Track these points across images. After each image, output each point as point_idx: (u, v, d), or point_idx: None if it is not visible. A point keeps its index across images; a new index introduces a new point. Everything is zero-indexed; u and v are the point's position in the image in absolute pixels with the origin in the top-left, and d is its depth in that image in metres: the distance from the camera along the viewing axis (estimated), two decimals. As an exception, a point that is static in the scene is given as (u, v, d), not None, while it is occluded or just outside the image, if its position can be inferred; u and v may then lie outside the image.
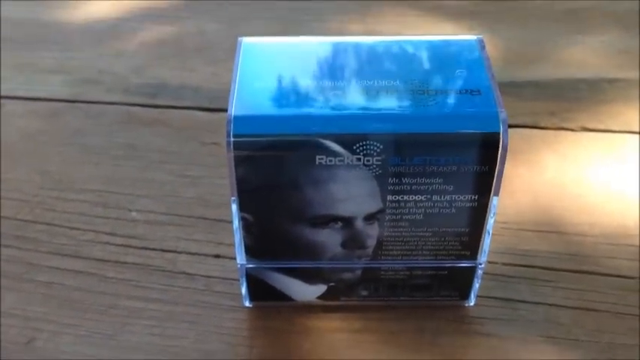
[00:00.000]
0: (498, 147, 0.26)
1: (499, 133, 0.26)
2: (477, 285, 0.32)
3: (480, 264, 0.31)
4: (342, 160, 0.26)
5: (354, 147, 0.26)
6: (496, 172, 0.27)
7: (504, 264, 0.34)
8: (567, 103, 0.44)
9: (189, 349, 0.32)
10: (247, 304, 0.33)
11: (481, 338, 0.32)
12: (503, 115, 0.26)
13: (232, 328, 0.32)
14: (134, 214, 0.38)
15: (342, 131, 0.26)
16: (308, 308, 0.33)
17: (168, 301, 0.34)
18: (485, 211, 0.29)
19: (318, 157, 0.26)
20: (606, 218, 0.37)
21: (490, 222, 0.29)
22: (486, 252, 0.30)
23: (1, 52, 0.50)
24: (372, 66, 0.29)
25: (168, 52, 0.51)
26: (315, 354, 0.31)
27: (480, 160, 0.27)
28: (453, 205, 0.28)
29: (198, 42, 0.52)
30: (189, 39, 0.52)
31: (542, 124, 0.42)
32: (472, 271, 0.31)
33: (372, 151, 0.26)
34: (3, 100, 0.47)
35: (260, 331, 0.32)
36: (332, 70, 0.28)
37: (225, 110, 0.47)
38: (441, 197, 0.28)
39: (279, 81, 0.28)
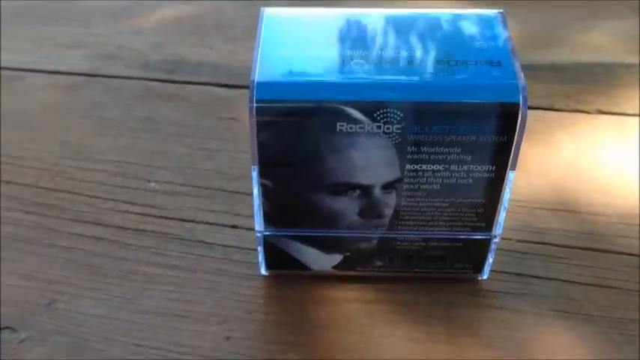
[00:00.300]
0: (517, 117, 0.27)
1: (518, 104, 0.27)
2: (490, 259, 0.32)
3: (495, 237, 0.31)
4: (363, 128, 0.27)
5: (375, 114, 0.27)
6: (514, 144, 0.28)
7: (519, 240, 0.35)
8: (583, 86, 0.44)
9: (206, 314, 0.32)
10: (264, 271, 0.33)
11: (494, 311, 0.32)
12: (522, 85, 0.27)
13: (249, 295, 0.33)
14: (153, 184, 0.39)
15: (363, 99, 0.27)
16: (324, 278, 0.33)
17: (186, 268, 0.34)
18: (502, 184, 0.29)
19: (338, 124, 0.27)
20: (620, 199, 0.37)
21: (506, 196, 0.29)
22: (501, 225, 0.31)
23: (23, 27, 0.51)
24: (394, 36, 0.29)
25: (187, 30, 0.51)
26: (330, 322, 0.32)
27: (499, 130, 0.27)
28: (471, 175, 0.29)
29: (217, 20, 0.52)
30: (207, 17, 0.52)
31: (558, 107, 0.43)
32: (487, 243, 0.31)
33: (392, 119, 0.27)
34: (24, 73, 0.47)
35: (276, 299, 0.33)
36: (354, 39, 0.29)
37: (243, 87, 0.47)
38: (458, 167, 0.28)
39: (302, 49, 0.28)
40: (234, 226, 0.36)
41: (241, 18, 0.52)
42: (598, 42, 0.48)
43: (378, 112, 0.26)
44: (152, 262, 0.35)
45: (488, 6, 0.52)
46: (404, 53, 0.28)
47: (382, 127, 0.27)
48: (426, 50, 0.28)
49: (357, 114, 0.27)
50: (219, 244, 0.35)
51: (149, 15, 0.53)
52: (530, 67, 0.45)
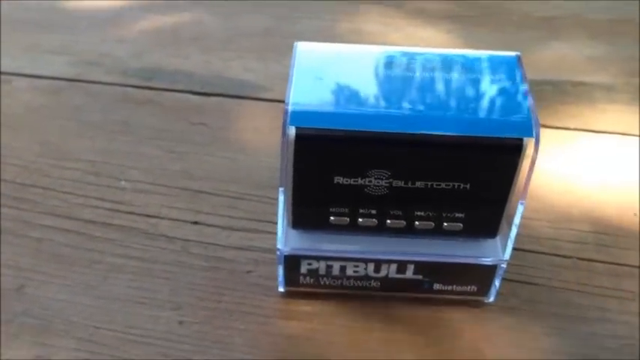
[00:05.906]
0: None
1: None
2: None
3: None
4: None
5: None
6: None
7: (455, 241, 0.38)
8: (530, 101, 0.47)
9: (162, 301, 0.35)
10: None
11: (429, 302, 0.35)
12: None
13: (203, 285, 0.36)
14: (123, 183, 0.42)
15: None
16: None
17: (147, 259, 0.37)
18: None
19: None
20: (552, 205, 0.40)
21: None
22: None
23: (12, 33, 0.54)
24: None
25: (166, 40, 0.54)
26: (274, 312, 0.35)
27: None
28: None
29: (194, 32, 0.55)
30: (185, 29, 0.56)
31: (505, 120, 0.46)
32: None
33: None
34: (10, 77, 0.50)
35: (228, 290, 0.36)
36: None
37: (215, 94, 0.50)
38: None
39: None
40: (196, 222, 0.39)
41: (217, 30, 0.55)
42: (551, 61, 0.51)
43: None
44: (116, 253, 0.37)
45: (451, 26, 0.55)
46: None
47: None
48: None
49: None
50: (179, 239, 0.38)
51: (131, 26, 0.56)
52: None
